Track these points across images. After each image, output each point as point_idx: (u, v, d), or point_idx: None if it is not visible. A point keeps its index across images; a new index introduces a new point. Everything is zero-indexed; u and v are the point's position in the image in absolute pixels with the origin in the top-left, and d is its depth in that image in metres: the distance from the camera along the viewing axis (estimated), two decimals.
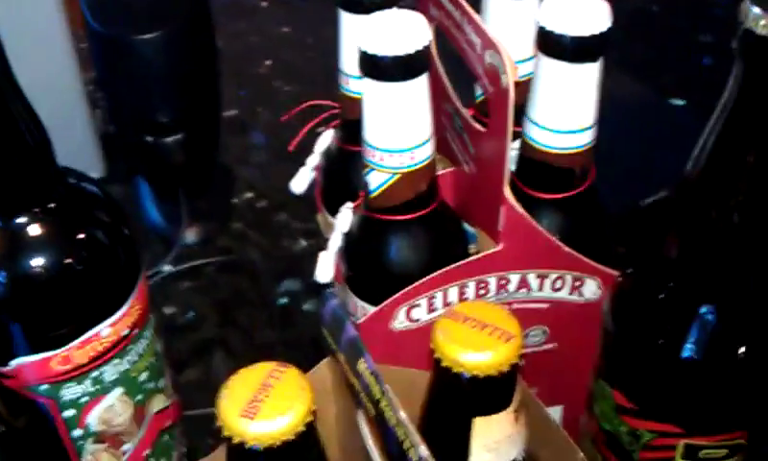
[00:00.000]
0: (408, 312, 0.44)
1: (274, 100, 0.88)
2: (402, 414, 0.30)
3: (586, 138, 0.43)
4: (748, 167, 0.33)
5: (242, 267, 0.70)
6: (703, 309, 0.35)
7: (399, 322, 0.44)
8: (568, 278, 0.45)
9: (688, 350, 0.35)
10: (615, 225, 0.49)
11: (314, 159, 0.53)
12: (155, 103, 0.64)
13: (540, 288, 0.45)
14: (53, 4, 0.67)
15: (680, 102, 0.84)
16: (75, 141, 0.71)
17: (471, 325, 0.32)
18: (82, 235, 0.40)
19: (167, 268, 0.69)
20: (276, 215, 0.74)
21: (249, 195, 0.77)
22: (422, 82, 0.40)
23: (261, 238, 0.72)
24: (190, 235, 0.71)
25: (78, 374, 0.41)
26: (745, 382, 0.35)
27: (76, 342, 0.40)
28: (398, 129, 0.41)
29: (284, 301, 0.66)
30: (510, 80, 0.38)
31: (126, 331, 0.42)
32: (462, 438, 0.33)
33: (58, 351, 0.40)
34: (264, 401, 0.29)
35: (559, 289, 0.45)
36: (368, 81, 0.40)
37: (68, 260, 0.39)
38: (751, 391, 0.35)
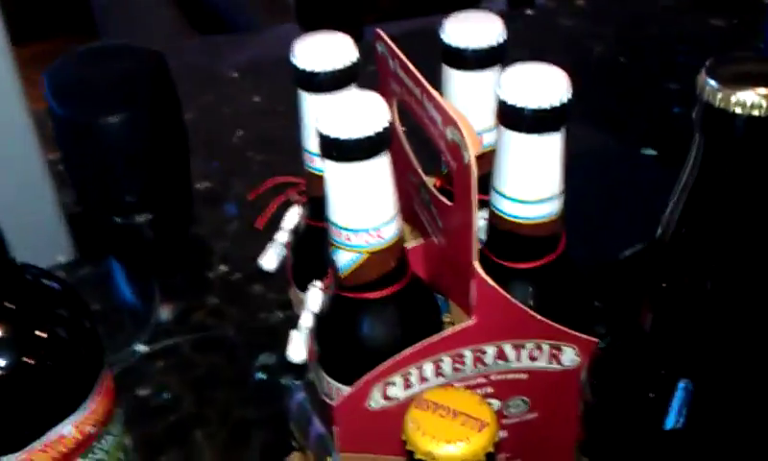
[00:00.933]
0: (384, 390, 0.43)
1: (247, 170, 0.87)
2: None
3: (553, 207, 0.43)
4: (715, 235, 0.33)
5: (218, 343, 0.68)
6: (685, 382, 0.34)
7: (375, 401, 0.43)
8: (545, 347, 0.44)
9: (672, 421, 0.34)
10: (592, 280, 0.48)
11: (283, 236, 0.52)
12: (121, 184, 0.64)
13: (518, 359, 0.44)
14: (11, 85, 0.66)
15: (651, 152, 0.85)
16: (42, 222, 0.70)
17: (443, 414, 0.31)
18: (40, 333, 0.39)
19: (141, 348, 0.67)
20: (251, 287, 0.73)
21: (223, 268, 0.76)
22: (384, 160, 0.40)
23: (237, 312, 0.71)
24: (164, 313, 0.70)
25: None
26: (734, 455, 0.34)
27: (37, 443, 0.38)
28: (362, 208, 0.40)
29: (261, 376, 0.65)
30: (471, 156, 0.38)
31: (90, 429, 0.40)
32: None
33: (17, 454, 0.38)
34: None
35: (536, 358, 0.44)
36: (329, 162, 0.40)
37: (25, 359, 0.38)
38: None
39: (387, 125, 0.38)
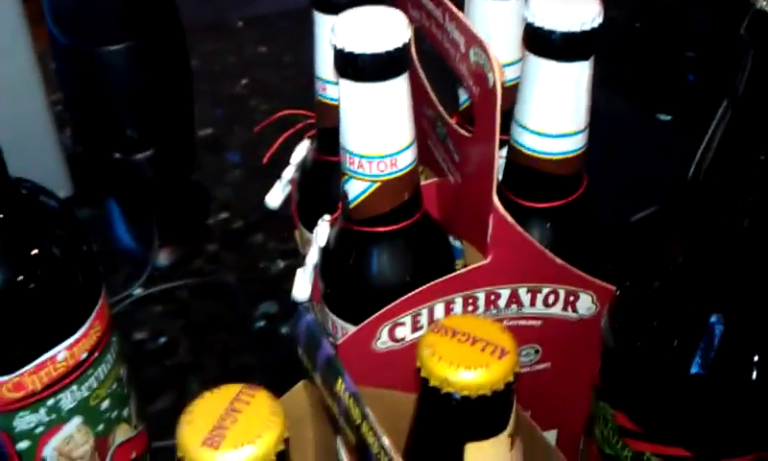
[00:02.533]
0: (391, 331, 0.41)
1: (250, 119, 0.85)
2: (386, 440, 0.27)
3: (578, 143, 0.41)
4: (761, 165, 0.30)
5: (217, 290, 0.66)
6: (712, 320, 0.33)
7: (382, 342, 0.41)
8: (562, 292, 0.42)
9: (697, 364, 0.32)
10: (606, 241, 0.46)
11: (289, 172, 0.50)
12: (123, 117, 0.61)
13: (532, 304, 0.42)
14: (16, 22, 0.64)
15: (666, 117, 0.83)
16: (42, 162, 0.68)
17: (461, 339, 0.29)
18: (34, 250, 0.37)
19: (137, 291, 0.65)
20: (253, 236, 0.71)
21: (224, 215, 0.73)
22: (402, 82, 0.38)
23: (237, 260, 0.69)
24: (162, 257, 0.68)
25: (32, 401, 0.37)
26: (760, 398, 0.32)
27: (29, 367, 0.36)
28: (378, 133, 0.38)
29: (261, 324, 0.63)
30: (497, 77, 0.36)
31: (84, 355, 0.39)
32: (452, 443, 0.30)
33: (8, 376, 0.36)
34: (230, 429, 0.26)
35: (552, 305, 0.42)
36: (344, 82, 0.38)
37: (19, 277, 0.36)
38: (766, 409, 0.33)
39: (407, 41, 0.36)
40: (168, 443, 0.49)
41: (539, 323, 0.43)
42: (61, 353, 0.38)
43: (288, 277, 0.44)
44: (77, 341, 0.38)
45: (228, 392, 0.28)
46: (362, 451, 0.28)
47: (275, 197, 0.51)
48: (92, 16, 0.60)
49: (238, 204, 0.74)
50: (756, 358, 0.32)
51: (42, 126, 0.70)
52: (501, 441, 0.30)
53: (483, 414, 0.29)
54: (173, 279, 0.67)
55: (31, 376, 0.37)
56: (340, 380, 0.29)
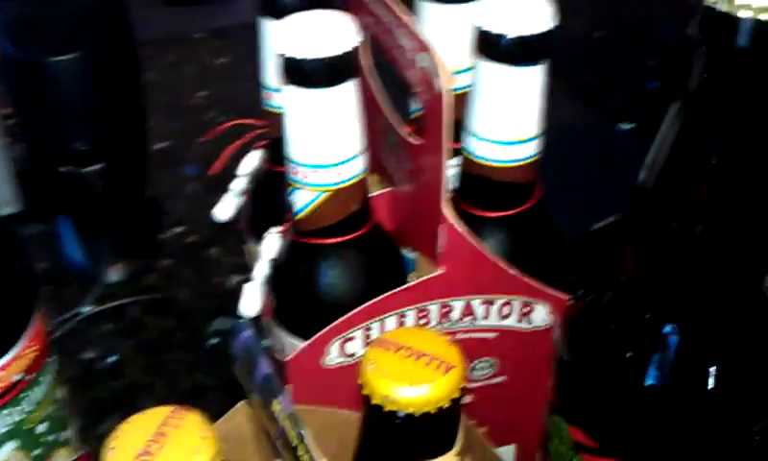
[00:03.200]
0: (342, 346, 0.39)
1: (207, 131, 0.83)
2: None
3: (530, 150, 0.40)
4: (712, 169, 0.30)
5: (169, 307, 0.64)
6: (666, 331, 0.32)
7: (332, 358, 0.40)
8: (516, 303, 0.41)
9: (652, 376, 0.31)
10: (565, 252, 0.45)
11: (238, 183, 0.49)
12: (71, 130, 0.60)
13: (486, 316, 0.41)
14: None
15: (628, 125, 0.82)
16: None
17: (405, 355, 0.28)
18: None
19: (87, 309, 0.63)
20: (207, 251, 0.70)
21: (178, 229, 0.72)
22: (349, 88, 0.36)
23: (191, 275, 0.67)
24: (114, 274, 0.66)
25: None
26: (716, 411, 0.31)
27: None
28: (323, 142, 0.37)
29: (215, 341, 0.61)
30: (444, 83, 0.35)
31: (18, 377, 0.37)
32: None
33: None
34: (156, 455, 0.25)
35: (506, 316, 0.41)
36: (288, 88, 0.36)
37: None
38: (724, 423, 0.32)
39: (355, 46, 0.35)
40: None
41: (493, 335, 0.42)
42: None
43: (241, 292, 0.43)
44: (9, 362, 0.36)
45: (156, 415, 0.26)
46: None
47: (224, 209, 0.50)
48: (40, 27, 0.58)
49: (193, 218, 0.73)
50: (711, 370, 0.31)
51: None
52: (449, 460, 0.28)
53: (428, 432, 0.28)
54: (124, 295, 0.65)
55: None
56: (276, 401, 0.27)
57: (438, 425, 0.28)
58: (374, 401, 0.27)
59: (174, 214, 0.73)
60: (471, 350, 0.42)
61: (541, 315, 0.42)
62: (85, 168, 0.61)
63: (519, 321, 0.42)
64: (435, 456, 0.28)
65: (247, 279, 0.48)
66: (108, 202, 0.64)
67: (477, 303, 0.41)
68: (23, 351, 0.37)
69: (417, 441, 0.28)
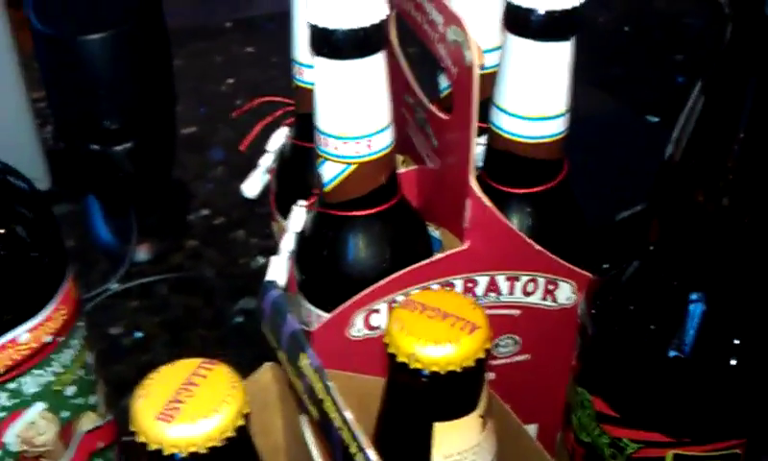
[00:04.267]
0: (366, 318, 0.40)
1: (234, 118, 0.84)
2: (348, 414, 0.26)
3: (557, 127, 0.40)
4: (739, 141, 0.30)
5: (195, 285, 0.65)
6: (691, 303, 0.32)
7: (357, 329, 0.40)
8: (541, 280, 0.41)
9: (676, 348, 0.32)
10: (588, 231, 0.45)
11: (267, 160, 0.49)
12: (102, 108, 0.60)
13: (511, 292, 0.41)
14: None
15: (654, 119, 0.82)
16: (22, 157, 0.66)
17: (431, 315, 0.28)
18: None
19: (114, 286, 0.64)
20: (233, 232, 0.70)
21: (205, 212, 0.72)
22: (379, 60, 0.37)
23: (217, 256, 0.68)
24: (141, 253, 0.67)
25: None
26: (739, 382, 0.31)
27: None
28: (353, 113, 0.37)
29: (240, 320, 0.62)
30: (474, 56, 0.35)
31: (48, 339, 0.37)
32: (421, 447, 0.29)
33: None
34: (186, 403, 0.25)
35: (531, 293, 0.42)
36: (319, 60, 0.37)
37: None
38: (747, 393, 0.32)
39: (384, 18, 0.35)
40: None
41: (517, 312, 0.42)
42: (24, 336, 0.36)
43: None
44: (40, 323, 0.37)
45: (185, 366, 0.27)
46: (325, 427, 0.26)
47: (252, 186, 0.50)
48: (72, 5, 0.59)
49: (220, 201, 0.73)
50: (735, 341, 0.31)
51: (23, 121, 0.69)
52: (471, 421, 0.29)
53: (452, 391, 0.28)
54: (151, 274, 0.66)
55: None
56: (304, 355, 0.28)
57: (462, 385, 0.28)
58: (400, 359, 0.28)
59: (200, 197, 0.74)
60: (495, 326, 0.42)
61: (566, 293, 0.42)
62: (115, 147, 0.62)
63: (544, 298, 0.42)
64: (458, 416, 0.28)
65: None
66: (136, 181, 0.65)
67: (502, 279, 0.41)
68: (53, 313, 0.38)
69: (441, 400, 0.28)
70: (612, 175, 0.74)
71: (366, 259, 0.40)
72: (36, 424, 0.38)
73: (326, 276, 0.41)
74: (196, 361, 0.27)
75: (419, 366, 0.27)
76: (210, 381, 0.26)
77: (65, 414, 0.39)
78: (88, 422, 0.41)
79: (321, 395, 0.27)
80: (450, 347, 0.27)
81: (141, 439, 0.25)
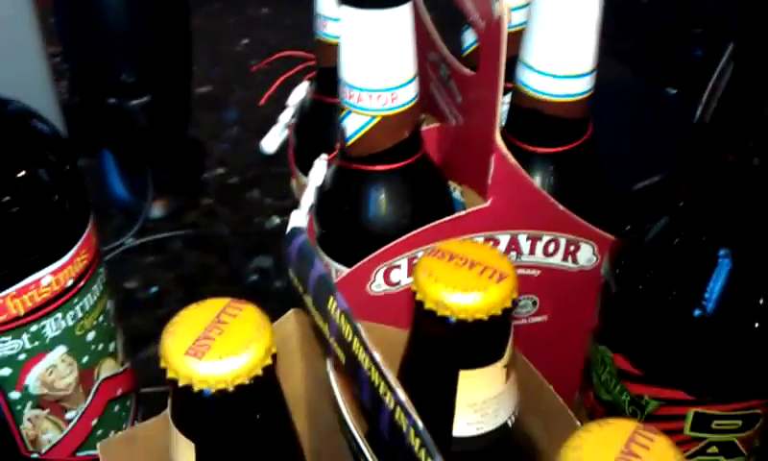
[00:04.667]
0: (386, 274, 0.40)
1: (249, 78, 0.83)
2: (377, 355, 0.26)
3: (584, 85, 0.39)
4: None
5: (210, 242, 0.65)
6: (716, 261, 0.31)
7: (377, 285, 0.40)
8: (562, 241, 0.41)
9: (700, 305, 0.31)
10: (611, 193, 0.45)
11: (287, 115, 0.49)
12: (119, 61, 0.60)
13: (532, 252, 0.41)
14: None
15: (672, 90, 0.81)
16: (37, 110, 0.67)
17: (458, 263, 0.28)
18: (21, 172, 0.36)
19: (130, 241, 0.64)
20: (249, 192, 0.70)
21: (220, 171, 0.72)
22: (405, 12, 0.36)
23: (231, 215, 0.68)
24: (156, 209, 0.67)
25: (14, 326, 0.36)
26: (763, 342, 0.31)
27: (11, 289, 0.35)
28: (379, 65, 0.37)
29: (255, 278, 0.62)
30: (503, 7, 0.35)
31: (70, 282, 0.37)
32: (445, 395, 0.29)
33: None
34: (215, 340, 0.25)
35: (552, 254, 0.41)
36: (346, 9, 0.36)
37: (4, 198, 0.35)
38: None
39: None
40: (156, 389, 0.48)
41: (537, 272, 0.42)
42: (46, 278, 0.36)
43: (283, 232, 0.43)
44: (62, 267, 0.37)
45: (214, 305, 0.27)
46: (353, 369, 0.27)
47: (271, 141, 0.50)
48: None
49: (235, 160, 0.73)
50: (760, 301, 0.31)
51: (39, 75, 0.69)
52: (496, 371, 0.29)
53: (478, 340, 0.28)
54: (166, 230, 0.66)
55: (13, 299, 0.36)
56: (332, 299, 0.28)
57: (488, 334, 0.28)
58: (428, 306, 0.28)
59: (215, 156, 0.74)
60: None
61: (587, 255, 0.41)
62: (131, 101, 0.62)
63: (565, 259, 0.42)
64: (483, 365, 0.28)
65: (287, 220, 0.49)
66: (152, 137, 0.65)
67: (523, 239, 0.41)
68: (75, 257, 0.38)
69: (467, 348, 0.28)
70: (630, 146, 0.73)
71: (387, 215, 0.40)
72: (56, 369, 0.39)
73: (347, 230, 0.41)
74: (224, 300, 0.27)
75: (446, 313, 0.27)
76: (239, 321, 0.26)
77: (85, 359, 0.40)
78: (108, 368, 0.41)
79: (349, 337, 0.27)
80: (478, 294, 0.27)
81: (171, 375, 0.25)
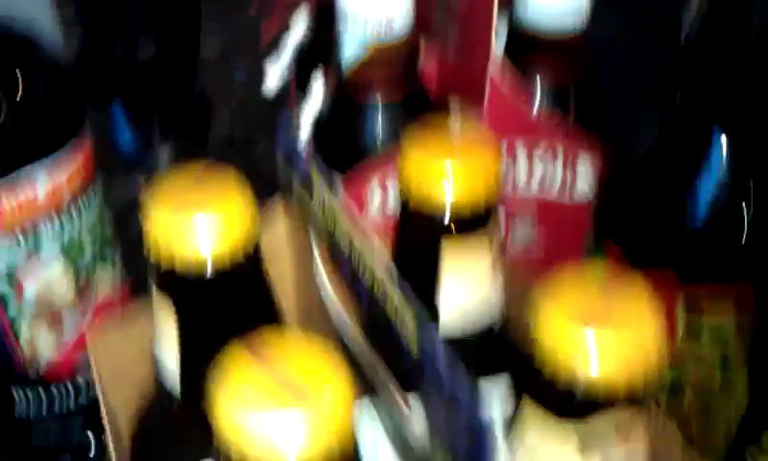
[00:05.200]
0: (384, 197, 0.40)
1: (258, 40, 0.84)
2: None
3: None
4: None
5: None
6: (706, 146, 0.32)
7: (375, 209, 0.40)
8: (560, 153, 0.41)
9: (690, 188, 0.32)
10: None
11: (287, 55, 0.49)
12: (127, 14, 0.61)
13: (530, 176, 0.41)
14: None
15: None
16: None
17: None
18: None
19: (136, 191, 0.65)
20: (255, 147, 0.70)
21: (227, 126, 0.73)
22: None
23: (239, 166, 0.68)
24: (163, 159, 0.67)
25: (10, 231, 0.36)
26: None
27: (4, 182, 0.35)
28: None
29: None
30: None
31: (63, 186, 0.38)
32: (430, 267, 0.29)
33: None
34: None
35: (549, 184, 0.41)
36: None
37: None
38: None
39: None
40: None
41: (534, 206, 0.42)
42: (42, 179, 0.36)
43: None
44: (57, 167, 0.37)
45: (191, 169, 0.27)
46: (333, 245, 0.27)
47: (272, 79, 0.50)
48: None
49: (243, 117, 0.73)
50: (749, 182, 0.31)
51: (47, 27, 0.69)
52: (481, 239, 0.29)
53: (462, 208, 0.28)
54: None
55: (8, 197, 0.36)
56: (316, 175, 0.28)
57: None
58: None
59: (222, 114, 0.74)
60: (515, 205, 0.42)
61: (585, 180, 0.41)
62: (139, 53, 0.62)
63: (562, 188, 0.42)
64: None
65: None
66: (160, 88, 0.65)
67: (520, 145, 0.40)
68: (69, 160, 0.38)
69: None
70: (627, 96, 0.73)
71: (383, 145, 0.40)
72: (54, 285, 0.39)
73: (342, 160, 0.41)
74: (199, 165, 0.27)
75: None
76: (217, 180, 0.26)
77: (83, 272, 0.40)
78: (103, 283, 0.42)
79: (334, 206, 0.27)
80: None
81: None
